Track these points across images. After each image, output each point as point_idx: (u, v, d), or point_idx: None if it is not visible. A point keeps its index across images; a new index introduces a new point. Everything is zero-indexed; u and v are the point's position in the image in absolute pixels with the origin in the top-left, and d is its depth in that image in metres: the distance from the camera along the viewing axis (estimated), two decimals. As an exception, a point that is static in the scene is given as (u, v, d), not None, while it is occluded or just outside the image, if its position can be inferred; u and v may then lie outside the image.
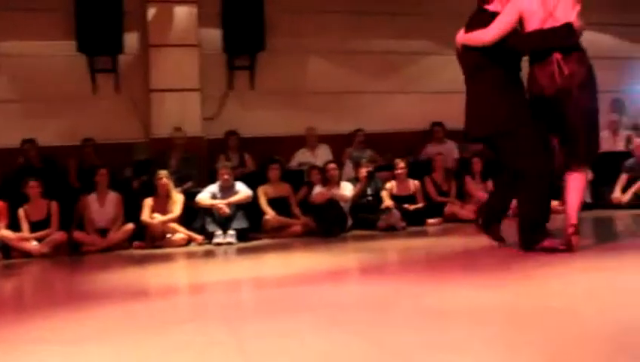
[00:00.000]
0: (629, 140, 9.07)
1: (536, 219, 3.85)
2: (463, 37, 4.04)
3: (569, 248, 3.73)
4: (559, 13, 3.76)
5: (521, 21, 3.87)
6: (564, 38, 3.74)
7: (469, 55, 4.02)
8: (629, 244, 4.77)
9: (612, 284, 2.73)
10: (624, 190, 7.98)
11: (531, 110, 3.86)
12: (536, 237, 3.80)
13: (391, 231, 6.65)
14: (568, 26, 3.73)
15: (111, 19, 7.65)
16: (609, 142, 9.28)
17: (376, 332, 2.07)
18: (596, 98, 3.95)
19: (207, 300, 3.27)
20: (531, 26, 3.82)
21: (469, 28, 4.02)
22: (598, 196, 8.26)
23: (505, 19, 3.83)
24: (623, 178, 8.07)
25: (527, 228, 3.85)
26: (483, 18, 3.96)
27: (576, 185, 3.90)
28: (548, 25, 3.77)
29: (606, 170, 8.27)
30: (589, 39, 11.10)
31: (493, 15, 3.91)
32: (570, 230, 3.75)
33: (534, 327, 1.99)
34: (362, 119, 8.62)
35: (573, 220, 3.79)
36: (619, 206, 7.81)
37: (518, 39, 3.86)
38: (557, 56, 3.73)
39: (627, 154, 8.56)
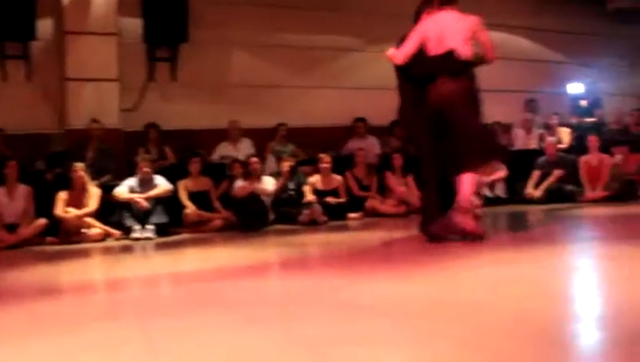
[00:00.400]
0: (541, 138, 9.49)
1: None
2: (390, 53, 4.45)
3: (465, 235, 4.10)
4: (448, 42, 4.24)
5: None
6: (447, 64, 4.23)
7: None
8: (540, 237, 4.99)
9: (522, 276, 2.84)
10: (536, 186, 8.35)
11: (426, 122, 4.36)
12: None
13: (312, 225, 6.67)
14: (450, 53, 4.22)
15: (22, 3, 7.26)
16: (523, 140, 9.68)
17: (292, 327, 2.06)
18: (478, 114, 4.42)
19: (122, 297, 3.17)
20: (429, 51, 4.30)
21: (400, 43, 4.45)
22: (513, 191, 8.61)
23: (408, 44, 4.34)
24: (536, 174, 8.44)
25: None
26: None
27: (466, 178, 4.22)
28: (439, 51, 4.26)
29: (520, 167, 8.63)
30: (505, 41, 11.60)
31: None
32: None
33: (451, 319, 2.03)
34: (285, 113, 8.61)
35: (463, 203, 4.12)
36: (532, 201, 8.17)
37: (414, 63, 4.34)
38: (443, 79, 4.22)
39: (540, 151, 8.95)
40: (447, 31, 4.27)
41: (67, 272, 4.47)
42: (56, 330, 2.31)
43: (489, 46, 4.35)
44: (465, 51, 4.24)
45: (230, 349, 1.85)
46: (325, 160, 7.45)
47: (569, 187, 8.26)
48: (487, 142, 4.46)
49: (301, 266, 3.95)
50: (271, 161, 7.98)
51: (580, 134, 9.24)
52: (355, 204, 7.42)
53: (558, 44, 10.91)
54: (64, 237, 6.42)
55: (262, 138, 8.38)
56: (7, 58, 7.64)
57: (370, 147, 8.55)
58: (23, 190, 6.58)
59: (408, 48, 4.34)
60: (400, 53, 4.36)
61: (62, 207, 6.47)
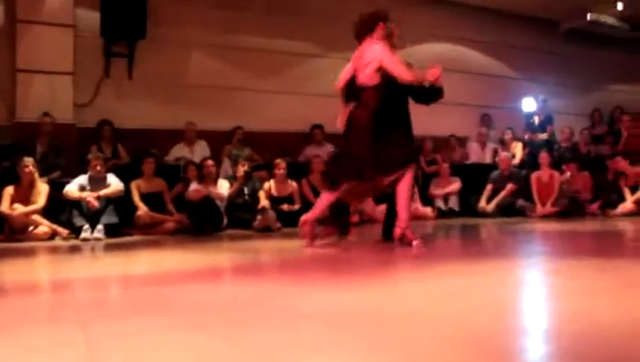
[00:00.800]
0: (495, 153, 9.67)
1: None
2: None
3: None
4: (359, 77, 4.75)
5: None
6: (357, 90, 4.76)
7: None
8: (490, 251, 5.06)
9: (470, 288, 2.86)
10: (489, 200, 8.49)
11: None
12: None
13: (266, 231, 6.63)
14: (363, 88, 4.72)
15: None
16: (477, 154, 9.86)
17: (236, 333, 2.03)
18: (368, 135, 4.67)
19: (65, 299, 3.06)
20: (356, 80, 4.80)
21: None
22: (466, 204, 8.74)
23: (343, 72, 4.92)
24: (489, 188, 8.60)
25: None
26: None
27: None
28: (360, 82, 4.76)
29: (474, 181, 8.78)
30: (463, 55, 11.80)
31: None
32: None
33: (394, 329, 2.03)
34: (243, 117, 8.55)
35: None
36: (484, 214, 8.30)
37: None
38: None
39: (493, 166, 9.12)
40: (362, 65, 4.72)
41: (10, 271, 4.32)
42: (-7, 332, 2.21)
43: (396, 73, 4.60)
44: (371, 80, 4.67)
45: (172, 354, 1.81)
46: (281, 165, 7.42)
47: (520, 202, 8.43)
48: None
49: (251, 272, 3.91)
50: (227, 165, 7.91)
51: (532, 150, 9.45)
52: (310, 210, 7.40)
53: (514, 60, 11.18)
54: (9, 234, 6.24)
55: (218, 141, 8.31)
56: (-49, 46, 7.38)
57: (327, 154, 8.55)
58: (-35, 184, 6.36)
59: (343, 76, 4.88)
60: (340, 79, 4.89)
61: (8, 203, 6.27)
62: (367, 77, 4.67)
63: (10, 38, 7.59)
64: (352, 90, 4.81)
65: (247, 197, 7.23)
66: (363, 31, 4.82)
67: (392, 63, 4.62)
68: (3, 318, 2.50)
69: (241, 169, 7.28)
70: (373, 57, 4.65)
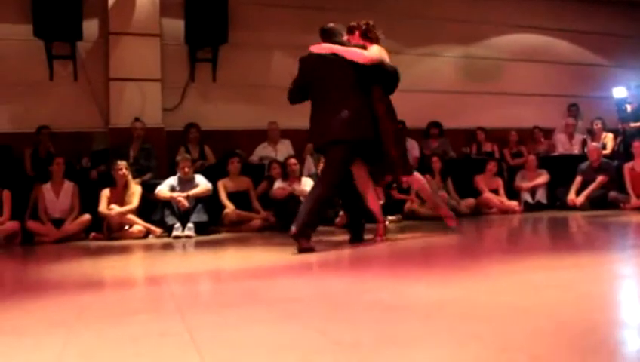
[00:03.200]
0: (584, 144, 9.30)
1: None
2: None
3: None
4: None
5: None
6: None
7: None
8: (582, 245, 4.89)
9: (563, 282, 2.79)
10: (579, 192, 8.19)
11: None
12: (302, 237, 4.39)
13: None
14: None
15: (69, 5, 7.48)
16: (565, 145, 9.52)
17: (330, 324, 2.07)
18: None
19: (162, 292, 3.21)
20: None
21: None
22: (554, 197, 8.47)
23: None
24: (578, 180, 8.28)
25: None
26: None
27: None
28: None
29: (562, 173, 8.49)
30: (547, 45, 11.43)
31: None
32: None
33: (487, 322, 2.01)
34: (324, 115, 8.61)
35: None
36: (574, 207, 8.01)
37: None
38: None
39: (582, 157, 8.78)
40: None
41: (110, 267, 4.57)
42: (100, 322, 2.36)
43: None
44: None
45: (270, 343, 1.87)
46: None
47: (613, 193, 8.08)
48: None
49: (338, 266, 3.96)
50: (309, 163, 8.00)
51: (625, 140, 9.03)
52: (394, 206, 7.39)
53: (602, 47, 10.71)
54: (107, 233, 6.58)
55: (301, 139, 8.41)
56: (54, 58, 7.85)
57: (410, 149, 8.51)
58: (68, 187, 6.77)
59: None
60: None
61: (105, 204, 6.62)
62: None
63: (103, 49, 8.02)
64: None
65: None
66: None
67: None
68: (107, 310, 2.66)
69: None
70: None
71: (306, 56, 4.95)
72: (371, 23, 5.08)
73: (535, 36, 10.30)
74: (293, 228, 4.39)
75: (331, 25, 5.00)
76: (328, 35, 4.91)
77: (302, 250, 4.34)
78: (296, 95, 5.02)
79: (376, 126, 4.75)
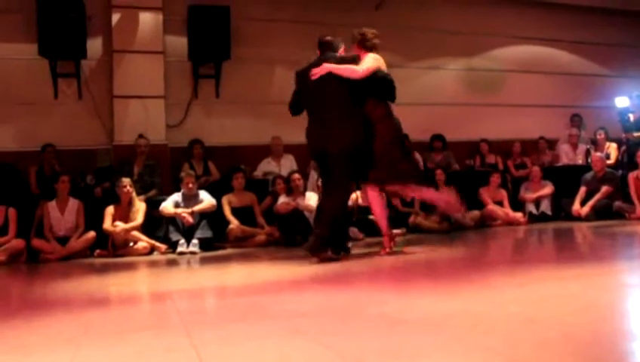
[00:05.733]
0: (588, 154, 9.29)
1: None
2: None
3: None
4: None
5: None
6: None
7: None
8: (587, 255, 4.88)
9: (570, 292, 2.78)
10: (583, 203, 8.16)
11: None
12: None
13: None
14: None
15: (74, 24, 7.51)
16: (569, 155, 9.51)
17: (336, 339, 2.07)
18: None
19: (168, 308, 3.22)
20: None
21: None
22: (559, 208, 8.44)
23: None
24: (582, 191, 8.26)
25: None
26: None
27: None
28: None
29: (566, 183, 8.47)
30: (549, 56, 11.44)
31: None
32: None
33: (493, 333, 2.01)
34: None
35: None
36: (578, 218, 7.98)
37: None
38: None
39: (586, 167, 8.76)
40: None
41: (115, 284, 4.57)
42: (106, 338, 2.36)
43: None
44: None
45: (275, 359, 1.87)
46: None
47: (618, 203, 8.06)
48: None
49: (343, 281, 3.95)
50: (313, 177, 8.00)
51: (629, 149, 9.01)
52: (399, 219, 7.38)
53: (604, 57, 10.73)
54: (112, 250, 6.58)
55: (304, 154, 8.42)
56: (59, 76, 7.90)
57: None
58: (74, 204, 6.78)
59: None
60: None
61: (110, 221, 6.63)
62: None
63: (107, 67, 8.07)
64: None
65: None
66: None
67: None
68: (112, 326, 2.67)
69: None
70: None
71: (301, 70, 5.07)
72: (369, 31, 5.20)
73: (537, 47, 10.33)
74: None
75: (329, 38, 5.16)
76: (326, 48, 5.06)
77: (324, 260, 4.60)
78: (295, 107, 5.21)
79: (371, 133, 4.85)
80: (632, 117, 9.33)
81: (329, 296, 3.26)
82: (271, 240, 6.96)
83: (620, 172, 8.60)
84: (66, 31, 7.45)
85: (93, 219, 6.77)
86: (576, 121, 10.04)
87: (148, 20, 8.09)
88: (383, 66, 5.00)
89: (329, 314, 2.62)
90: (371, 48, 5.08)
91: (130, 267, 5.67)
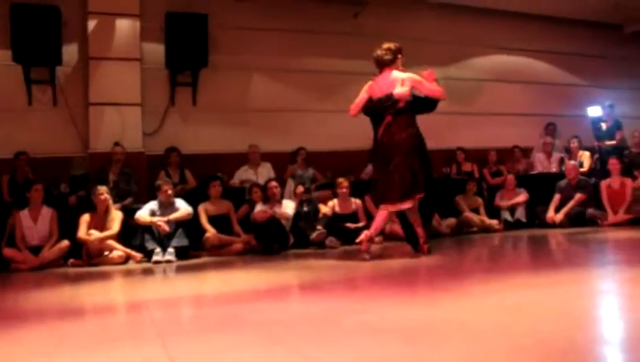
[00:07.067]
0: (562, 162, 9.43)
1: None
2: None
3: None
4: (385, 90, 5.33)
5: None
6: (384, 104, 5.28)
7: None
8: (561, 262, 4.94)
9: (546, 299, 2.82)
10: (557, 210, 8.27)
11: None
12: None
13: (321, 246, 6.73)
14: (388, 96, 5.25)
15: (49, 30, 7.41)
16: (543, 163, 9.64)
17: (312, 348, 2.07)
18: (415, 153, 5.22)
19: (143, 318, 3.19)
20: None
21: None
22: (533, 215, 8.54)
23: (357, 100, 5.53)
24: (556, 198, 8.37)
25: None
26: None
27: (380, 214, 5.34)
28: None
29: (540, 191, 8.58)
30: (524, 65, 11.57)
31: None
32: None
33: (470, 341, 2.02)
34: (305, 137, 8.66)
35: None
36: (553, 225, 8.09)
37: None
38: (388, 118, 5.26)
39: (560, 175, 8.89)
40: (383, 88, 5.32)
41: (90, 294, 4.51)
42: (80, 349, 2.33)
43: (433, 94, 5.46)
44: (403, 94, 5.23)
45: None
46: (343, 184, 7.45)
47: (591, 210, 8.18)
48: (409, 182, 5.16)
49: (320, 289, 3.95)
50: (290, 186, 8.00)
51: (601, 157, 9.17)
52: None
53: (578, 67, 10.91)
54: (86, 259, 6.49)
55: (282, 162, 8.43)
56: (33, 83, 7.78)
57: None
58: (47, 213, 6.68)
59: (357, 103, 5.49)
60: (352, 108, 5.53)
61: (85, 230, 6.54)
62: (403, 100, 5.24)
63: (83, 74, 7.97)
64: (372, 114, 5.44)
65: (308, 212, 7.32)
66: (385, 62, 5.44)
67: (429, 87, 5.45)
68: (87, 338, 2.63)
69: (300, 188, 7.48)
70: (398, 82, 5.27)
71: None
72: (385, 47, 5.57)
73: (512, 57, 10.46)
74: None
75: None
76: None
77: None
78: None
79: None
80: (604, 126, 9.50)
81: (307, 305, 3.26)
82: (248, 249, 6.93)
83: (593, 180, 8.74)
84: (40, 37, 7.35)
85: (67, 228, 6.66)
86: (550, 129, 10.18)
87: (125, 27, 8.02)
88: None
89: (306, 322, 2.61)
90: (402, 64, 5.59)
91: (105, 276, 5.60)
